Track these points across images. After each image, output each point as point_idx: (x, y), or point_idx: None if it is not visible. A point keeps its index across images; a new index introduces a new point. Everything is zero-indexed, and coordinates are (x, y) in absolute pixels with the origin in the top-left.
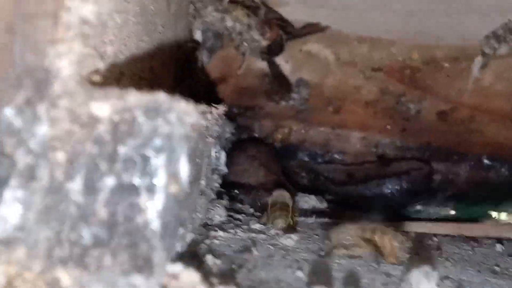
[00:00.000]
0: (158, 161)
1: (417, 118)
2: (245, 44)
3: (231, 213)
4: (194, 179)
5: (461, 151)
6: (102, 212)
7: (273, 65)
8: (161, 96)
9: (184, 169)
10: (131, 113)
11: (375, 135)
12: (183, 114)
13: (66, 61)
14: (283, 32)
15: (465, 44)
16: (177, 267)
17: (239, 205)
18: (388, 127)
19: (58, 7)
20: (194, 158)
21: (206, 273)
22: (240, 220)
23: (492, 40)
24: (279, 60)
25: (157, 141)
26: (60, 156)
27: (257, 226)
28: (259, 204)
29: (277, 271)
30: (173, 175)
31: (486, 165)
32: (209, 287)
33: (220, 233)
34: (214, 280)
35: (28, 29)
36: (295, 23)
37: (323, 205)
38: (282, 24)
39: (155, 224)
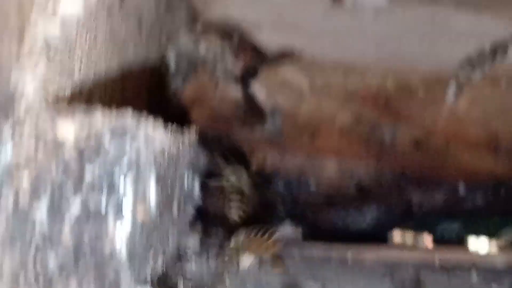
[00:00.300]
0: (124, 186)
1: (392, 145)
2: (218, 71)
3: (205, 242)
4: (165, 205)
5: (436, 179)
6: (68, 238)
7: (247, 93)
8: (128, 118)
9: (152, 194)
10: (98, 135)
11: (350, 162)
12: (151, 137)
13: (31, 81)
14: (257, 59)
15: (439, 70)
16: None
17: (213, 235)
18: (363, 154)
19: (23, 26)
20: (164, 183)
21: None
22: (213, 249)
23: (467, 66)
24: (253, 87)
25: (124, 165)
26: (25, 179)
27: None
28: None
29: None
30: (140, 200)
31: (462, 193)
32: None
33: (193, 261)
34: None
35: None
36: (269, 50)
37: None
38: (256, 50)
39: (122, 250)
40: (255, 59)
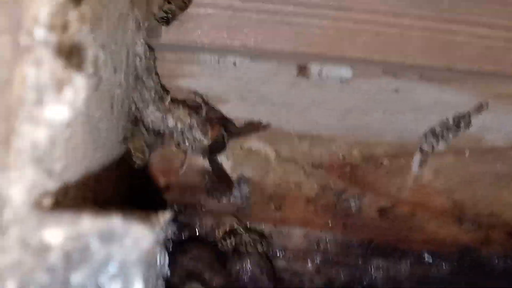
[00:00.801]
0: None
1: (358, 215)
2: (186, 142)
3: None
4: None
5: (402, 248)
6: None
7: (215, 163)
8: (115, 220)
9: None
10: (85, 239)
11: (317, 232)
12: (138, 238)
13: (18, 188)
14: (225, 131)
15: (403, 141)
16: None
17: None
18: (330, 223)
19: (9, 133)
20: (147, 278)
21: None
22: None
23: (430, 137)
24: (220, 157)
25: (111, 268)
26: (10, 286)
27: None
28: None
29: None
30: None
31: (427, 262)
32: None
33: None
34: None
35: None
36: (236, 121)
37: None
38: (224, 122)
39: None
40: (222, 131)
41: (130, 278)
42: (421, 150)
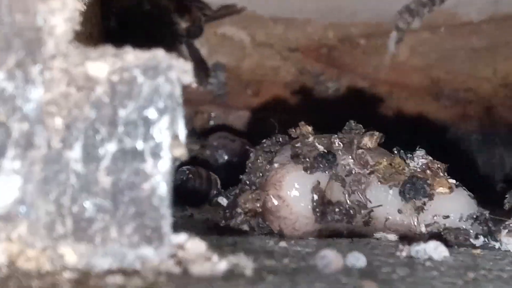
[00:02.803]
0: (161, 123)
1: (336, 96)
2: (163, 27)
3: None
4: None
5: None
6: (105, 180)
7: (192, 49)
8: (160, 54)
9: (182, 130)
10: (130, 72)
11: (295, 116)
12: (183, 71)
13: (60, 18)
14: (201, 16)
15: (379, 20)
16: (182, 237)
17: None
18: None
19: None
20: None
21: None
22: None
23: (406, 14)
24: (195, 43)
25: (160, 102)
26: (57, 121)
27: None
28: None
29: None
30: (176, 137)
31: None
32: (220, 255)
33: None
34: (224, 249)
35: None
36: (211, 6)
37: None
38: (200, 6)
39: (162, 190)
40: (199, 14)
41: (176, 113)
42: (397, 28)
